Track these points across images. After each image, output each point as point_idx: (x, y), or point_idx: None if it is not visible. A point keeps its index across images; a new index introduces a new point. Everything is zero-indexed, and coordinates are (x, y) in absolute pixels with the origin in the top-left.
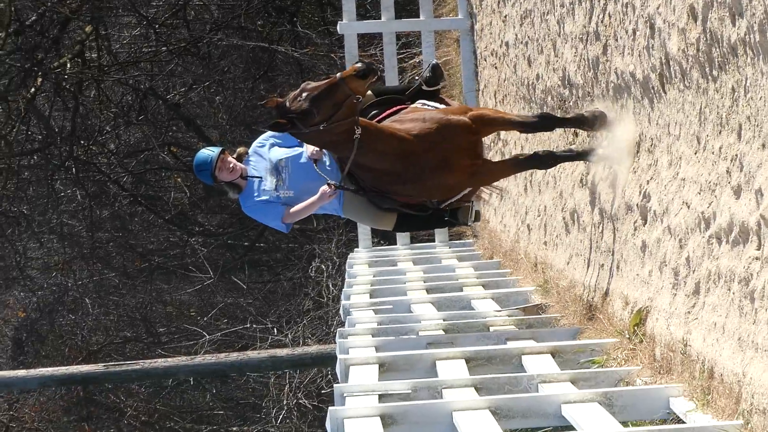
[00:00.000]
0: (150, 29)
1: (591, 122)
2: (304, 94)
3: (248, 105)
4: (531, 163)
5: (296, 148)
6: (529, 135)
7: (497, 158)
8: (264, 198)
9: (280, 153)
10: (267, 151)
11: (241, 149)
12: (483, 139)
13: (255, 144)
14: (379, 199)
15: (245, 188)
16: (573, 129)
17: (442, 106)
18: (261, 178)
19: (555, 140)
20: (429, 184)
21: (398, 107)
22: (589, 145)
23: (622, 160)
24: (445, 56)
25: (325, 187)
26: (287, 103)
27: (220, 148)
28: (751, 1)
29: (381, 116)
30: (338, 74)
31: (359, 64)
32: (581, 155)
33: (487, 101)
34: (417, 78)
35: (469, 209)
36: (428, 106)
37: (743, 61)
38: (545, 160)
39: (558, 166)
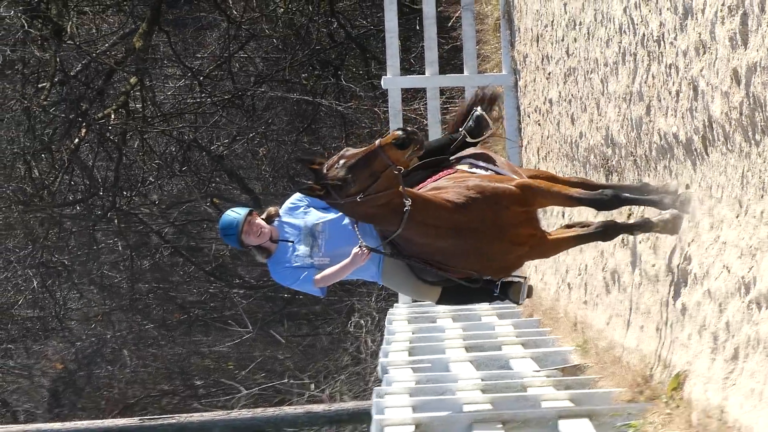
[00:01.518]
0: (194, 81)
1: (664, 206)
2: (342, 161)
3: (291, 157)
4: (594, 237)
5: (334, 210)
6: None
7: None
8: (296, 264)
9: (316, 216)
10: (302, 214)
11: (271, 209)
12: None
13: (287, 204)
14: (421, 271)
15: (275, 252)
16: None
17: (491, 168)
18: (293, 242)
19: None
20: (490, 257)
21: (445, 171)
22: (647, 218)
23: (676, 232)
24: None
25: (356, 249)
26: (324, 169)
27: (248, 210)
28: None
29: (425, 183)
30: (377, 141)
31: (399, 132)
32: (643, 227)
33: (530, 158)
34: (461, 130)
35: (521, 286)
36: (476, 167)
37: None
38: (609, 232)
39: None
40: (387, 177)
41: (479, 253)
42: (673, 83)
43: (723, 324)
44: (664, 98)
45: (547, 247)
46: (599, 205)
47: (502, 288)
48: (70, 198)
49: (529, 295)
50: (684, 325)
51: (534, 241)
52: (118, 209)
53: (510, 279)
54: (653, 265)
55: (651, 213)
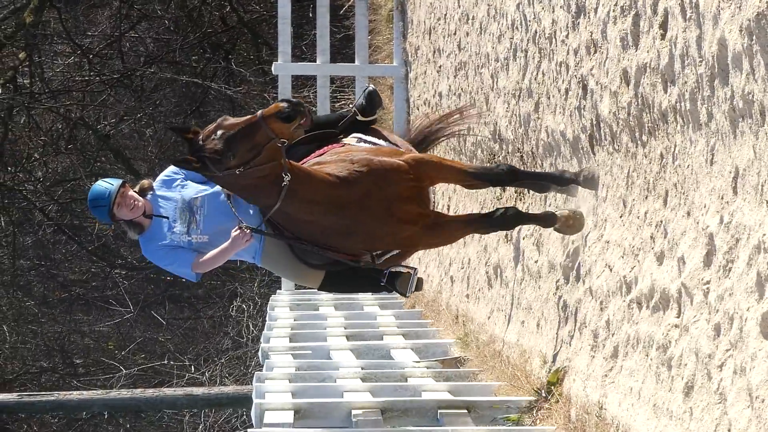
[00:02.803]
0: (84, 59)
1: (564, 181)
2: (220, 132)
3: (178, 140)
4: (494, 222)
5: (212, 184)
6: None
7: None
8: (169, 243)
9: (194, 190)
10: (179, 187)
11: (145, 182)
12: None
13: (162, 176)
14: (304, 252)
15: (148, 228)
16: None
17: (382, 143)
18: (169, 218)
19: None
20: (376, 235)
21: (331, 146)
22: (552, 211)
23: (579, 230)
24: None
25: (236, 231)
26: (201, 140)
27: (120, 181)
28: (683, 69)
29: (309, 157)
30: (259, 112)
31: (284, 104)
32: (546, 220)
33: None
34: (352, 107)
35: (410, 278)
36: (364, 142)
37: (673, 128)
38: (510, 220)
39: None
40: (269, 150)
41: (364, 231)
42: (563, 81)
43: (603, 322)
44: (553, 96)
45: (441, 228)
46: (495, 179)
47: (389, 278)
48: None
49: (419, 287)
50: (564, 322)
51: (426, 220)
52: (2, 185)
53: (398, 269)
54: (536, 262)
55: (554, 207)
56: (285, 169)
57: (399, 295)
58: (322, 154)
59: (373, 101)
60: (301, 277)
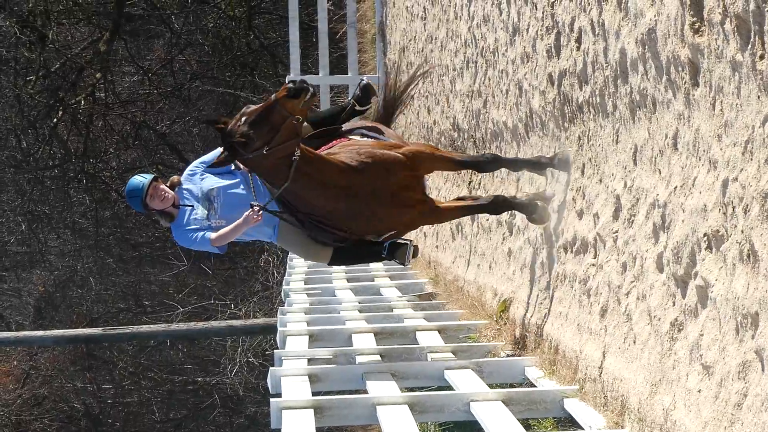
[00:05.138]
0: (145, 77)
1: (541, 167)
2: (243, 119)
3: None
4: (483, 209)
5: (228, 177)
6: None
7: None
8: (194, 227)
9: (211, 182)
10: (199, 179)
11: (174, 178)
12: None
13: (186, 172)
14: (317, 232)
15: (177, 217)
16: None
17: (382, 138)
18: (192, 206)
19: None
20: (381, 219)
21: (339, 140)
22: (537, 195)
23: (543, 222)
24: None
25: (249, 210)
26: (229, 128)
27: (153, 176)
28: (594, 72)
29: (320, 150)
30: (273, 96)
31: (290, 84)
32: (530, 207)
33: None
34: (350, 99)
35: (407, 249)
36: (368, 137)
37: (587, 116)
38: (498, 207)
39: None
40: (287, 128)
41: (369, 214)
42: (504, 84)
43: (539, 263)
44: (497, 95)
45: (437, 213)
46: (481, 166)
47: (389, 250)
48: (50, 163)
49: (415, 255)
50: (509, 264)
51: (423, 206)
52: (87, 172)
53: (397, 242)
54: (487, 220)
55: (536, 196)
56: (297, 145)
57: (401, 265)
58: (330, 147)
59: (367, 92)
60: (312, 255)
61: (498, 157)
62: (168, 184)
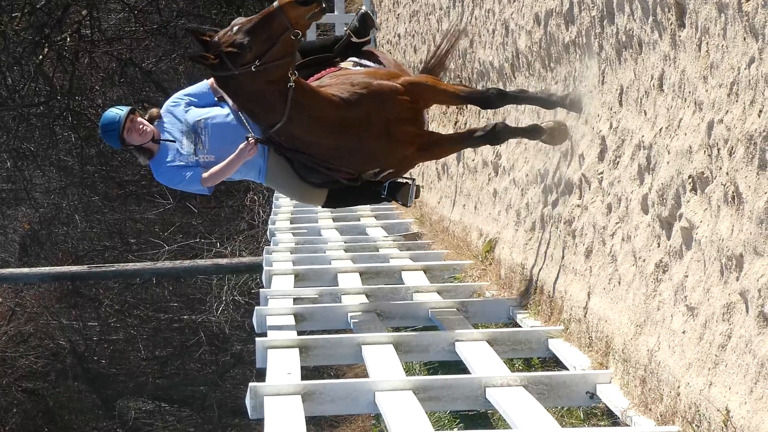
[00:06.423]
0: (131, 14)
1: (551, 105)
2: (236, 28)
3: (203, 73)
4: (484, 139)
5: (215, 108)
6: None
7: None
8: (180, 163)
9: (197, 113)
10: (183, 112)
11: (153, 111)
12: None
13: (168, 104)
14: (307, 171)
15: (157, 153)
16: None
17: (377, 66)
18: (176, 141)
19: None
20: (376, 155)
21: (328, 70)
22: (538, 124)
23: (563, 141)
24: None
25: (243, 143)
26: (216, 39)
27: (130, 107)
28: (581, 12)
29: (308, 81)
30: (275, 2)
31: None
32: (533, 132)
33: None
34: (346, 30)
35: (410, 188)
36: (362, 65)
37: (573, 57)
38: (499, 135)
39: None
40: (284, 43)
41: (364, 151)
42: (491, 23)
43: (524, 204)
44: (483, 35)
45: (436, 147)
46: (485, 101)
47: (390, 190)
48: (36, 101)
49: (417, 195)
50: (495, 205)
51: (421, 141)
52: (72, 110)
53: (398, 181)
54: (473, 160)
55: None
56: (292, 66)
57: (403, 206)
58: (320, 78)
59: (365, 23)
60: (304, 196)
61: (504, 92)
62: (147, 117)
